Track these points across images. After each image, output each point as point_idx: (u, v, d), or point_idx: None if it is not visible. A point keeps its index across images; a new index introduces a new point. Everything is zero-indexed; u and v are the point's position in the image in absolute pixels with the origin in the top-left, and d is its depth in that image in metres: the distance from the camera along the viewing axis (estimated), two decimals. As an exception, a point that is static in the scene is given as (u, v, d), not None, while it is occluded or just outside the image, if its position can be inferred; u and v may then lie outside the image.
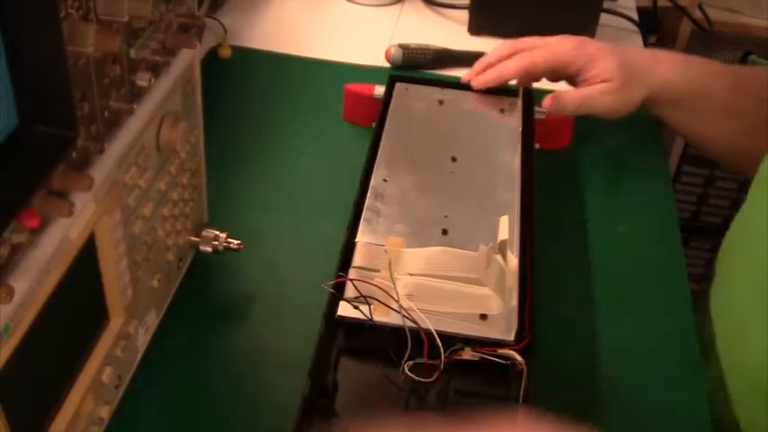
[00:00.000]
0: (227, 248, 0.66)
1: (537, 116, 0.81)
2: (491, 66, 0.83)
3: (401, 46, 0.95)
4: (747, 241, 0.73)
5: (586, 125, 0.85)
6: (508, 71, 0.81)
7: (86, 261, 0.49)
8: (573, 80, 0.83)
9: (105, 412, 0.54)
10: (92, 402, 0.52)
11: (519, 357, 0.55)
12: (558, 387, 0.62)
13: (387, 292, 0.57)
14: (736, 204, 1.48)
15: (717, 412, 0.66)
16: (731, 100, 0.81)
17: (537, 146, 0.78)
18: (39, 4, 0.38)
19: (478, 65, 0.84)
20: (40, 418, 0.47)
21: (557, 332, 0.65)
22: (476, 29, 1.04)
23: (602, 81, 0.80)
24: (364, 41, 1.01)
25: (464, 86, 0.83)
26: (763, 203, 0.70)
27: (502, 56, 0.83)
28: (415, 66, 0.95)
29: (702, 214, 1.52)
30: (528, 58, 0.82)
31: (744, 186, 1.45)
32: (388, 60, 0.95)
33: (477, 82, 0.82)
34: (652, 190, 0.83)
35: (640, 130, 0.90)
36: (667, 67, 0.81)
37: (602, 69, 0.80)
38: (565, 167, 0.84)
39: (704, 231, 1.51)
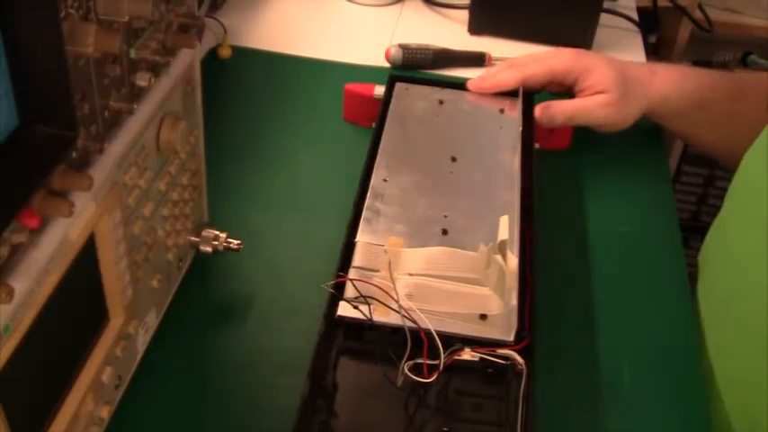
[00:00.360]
0: (227, 248, 0.66)
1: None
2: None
3: (401, 46, 0.95)
4: (724, 250, 0.73)
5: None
6: (505, 82, 0.82)
7: (86, 261, 0.49)
8: (571, 91, 0.83)
9: (105, 412, 0.54)
10: (92, 402, 0.52)
11: (519, 358, 0.55)
12: (558, 387, 0.62)
13: (386, 292, 0.57)
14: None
15: (712, 411, 0.67)
16: (732, 107, 0.81)
17: (537, 146, 0.78)
18: (39, 4, 0.38)
19: (479, 78, 0.84)
20: (40, 418, 0.47)
21: (557, 332, 0.65)
22: (476, 29, 1.04)
23: (598, 92, 0.80)
24: (364, 41, 1.01)
25: (464, 87, 0.83)
26: (738, 210, 0.70)
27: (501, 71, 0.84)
28: (415, 66, 0.95)
29: (702, 214, 1.52)
30: (524, 71, 0.82)
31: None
32: (388, 60, 0.95)
33: (474, 86, 0.83)
34: (652, 190, 0.83)
35: (640, 130, 0.90)
36: (664, 82, 0.81)
37: (598, 79, 0.80)
38: (565, 167, 0.84)
39: (704, 231, 1.51)
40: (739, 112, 0.81)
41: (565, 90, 0.84)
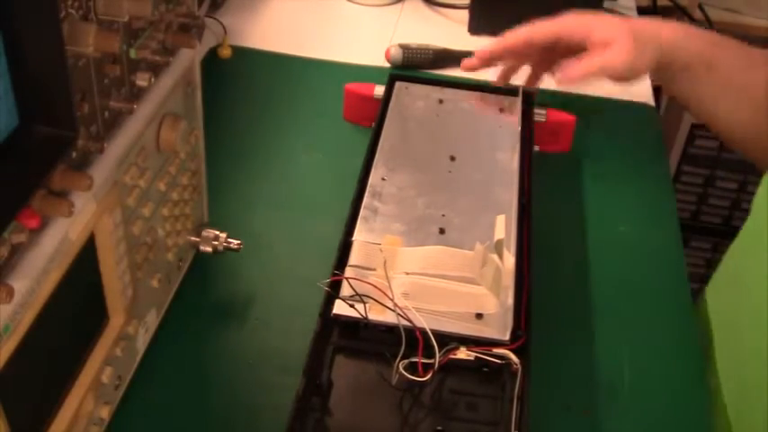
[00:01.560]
0: (227, 248, 0.66)
1: (537, 118, 0.81)
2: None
3: (401, 46, 0.95)
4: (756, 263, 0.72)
5: (588, 125, 0.85)
6: (508, 40, 0.80)
7: (86, 261, 0.49)
8: (580, 49, 0.78)
9: (105, 412, 0.54)
10: (92, 402, 0.52)
11: (514, 357, 0.55)
12: (556, 388, 0.62)
13: (382, 291, 0.57)
14: (735, 204, 1.48)
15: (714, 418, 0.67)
16: (740, 75, 0.77)
17: (536, 148, 0.78)
18: (39, 4, 0.38)
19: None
20: (40, 418, 0.48)
21: (554, 332, 0.65)
22: (476, 29, 1.04)
23: (610, 43, 0.76)
24: (364, 41, 1.01)
25: (464, 86, 0.83)
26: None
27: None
28: (416, 66, 0.95)
29: (702, 214, 1.52)
30: (529, 29, 0.79)
31: (744, 187, 1.45)
32: (389, 60, 0.95)
33: (478, 52, 0.80)
34: (652, 190, 0.83)
35: (640, 130, 0.90)
36: (672, 32, 0.78)
37: (609, 31, 0.76)
38: (565, 168, 0.84)
39: (704, 231, 1.51)
40: (748, 82, 0.77)
41: (569, 54, 0.79)
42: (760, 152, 0.75)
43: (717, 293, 0.77)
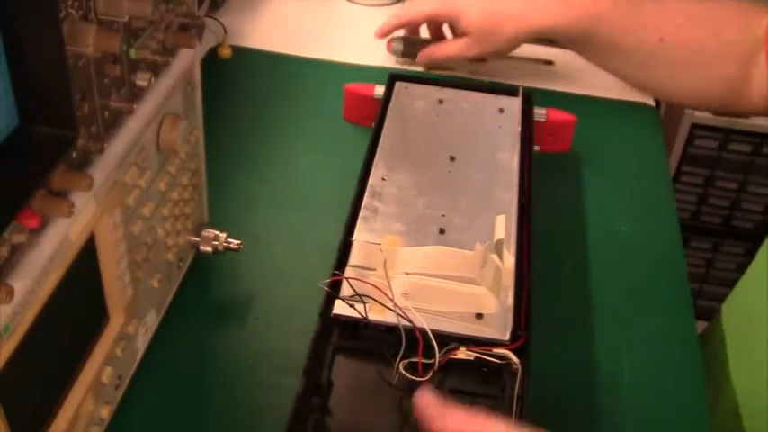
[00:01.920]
0: (227, 248, 0.66)
1: (537, 118, 0.81)
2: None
3: (402, 37, 0.95)
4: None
5: (588, 125, 0.85)
6: (397, 21, 0.92)
7: (86, 261, 0.49)
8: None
9: (105, 412, 0.54)
10: (92, 402, 0.52)
11: (514, 357, 0.55)
12: (555, 388, 0.62)
13: (382, 291, 0.57)
14: (735, 204, 1.48)
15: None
16: (618, 39, 0.81)
17: (536, 148, 0.78)
18: (39, 4, 0.38)
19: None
20: (40, 418, 0.48)
21: (554, 332, 0.65)
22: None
23: (466, 34, 0.87)
24: (364, 41, 1.01)
25: (464, 86, 0.83)
26: None
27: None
28: (416, 56, 0.95)
29: (702, 214, 1.52)
30: (409, 15, 0.92)
31: (744, 187, 1.45)
32: (390, 51, 0.96)
33: (377, 31, 0.93)
34: (652, 190, 0.83)
35: (640, 130, 0.90)
36: (540, 13, 0.83)
37: (466, 25, 0.86)
38: (565, 167, 0.84)
39: (704, 231, 1.51)
40: (626, 44, 0.80)
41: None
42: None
43: (734, 312, 0.77)
